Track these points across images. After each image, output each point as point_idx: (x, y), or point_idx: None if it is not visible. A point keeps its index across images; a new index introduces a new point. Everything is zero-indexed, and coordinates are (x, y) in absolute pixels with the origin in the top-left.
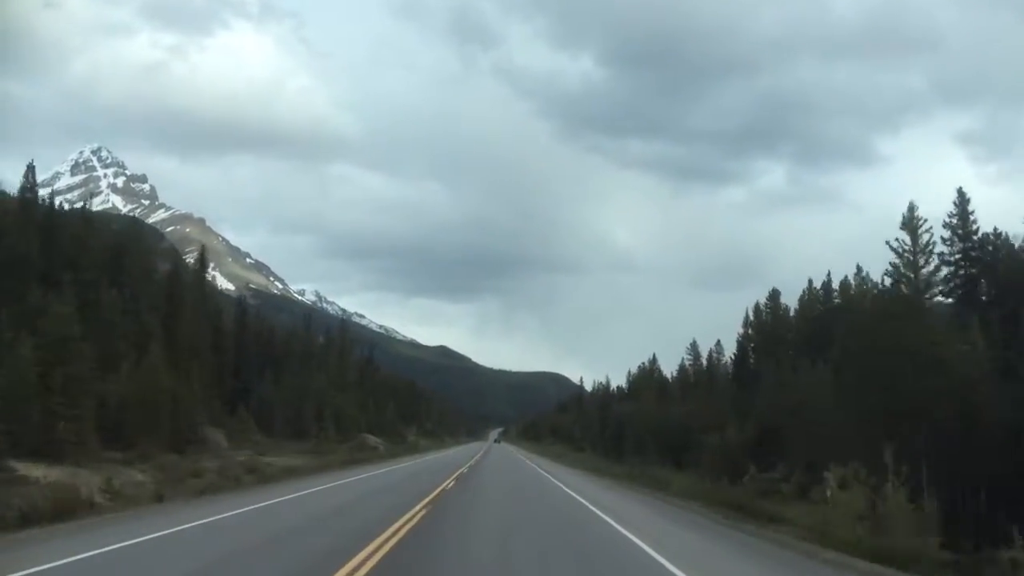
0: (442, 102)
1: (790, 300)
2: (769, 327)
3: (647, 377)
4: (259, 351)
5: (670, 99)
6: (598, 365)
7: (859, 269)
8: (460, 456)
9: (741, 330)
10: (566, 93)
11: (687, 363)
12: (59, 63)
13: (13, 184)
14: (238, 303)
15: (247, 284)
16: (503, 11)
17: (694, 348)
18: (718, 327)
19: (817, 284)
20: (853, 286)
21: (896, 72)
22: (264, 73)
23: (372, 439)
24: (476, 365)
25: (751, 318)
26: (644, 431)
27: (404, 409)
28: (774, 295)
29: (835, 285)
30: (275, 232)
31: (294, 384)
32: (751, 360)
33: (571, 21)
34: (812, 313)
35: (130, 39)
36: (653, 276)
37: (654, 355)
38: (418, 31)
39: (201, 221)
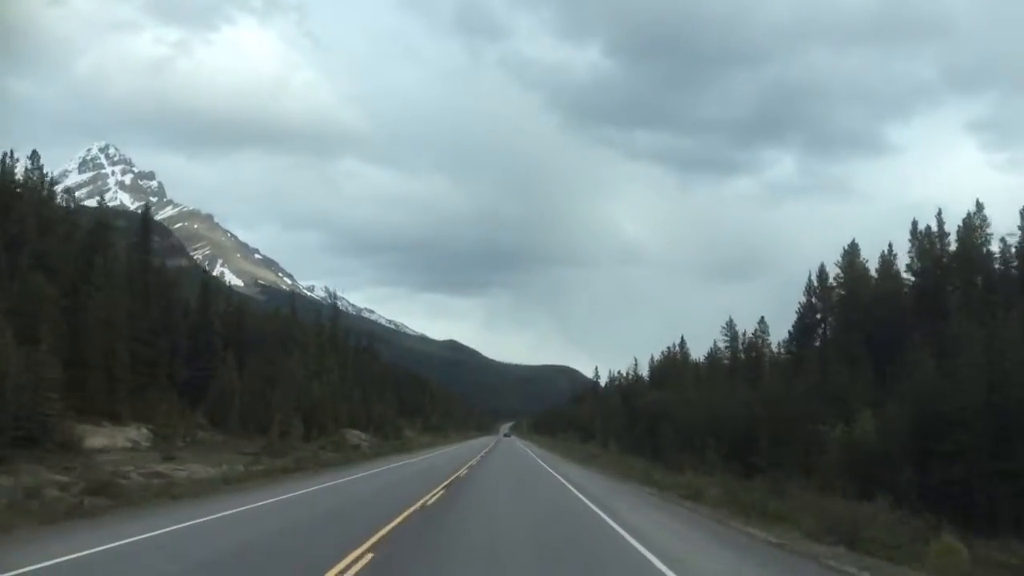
0: (449, 95)
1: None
2: (849, 290)
3: (677, 363)
4: (228, 335)
5: (678, 89)
6: (608, 357)
7: (980, 206)
8: (456, 459)
9: (803, 299)
10: (573, 84)
11: (722, 345)
12: (65, 61)
13: None
14: (202, 279)
15: (256, 280)
16: (509, 2)
17: (730, 328)
18: (731, 317)
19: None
20: (976, 225)
21: (906, 59)
22: (269, 68)
23: (356, 435)
24: (486, 359)
25: (815, 284)
26: (700, 428)
27: (408, 402)
28: (851, 250)
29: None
30: (284, 228)
31: (259, 371)
32: (824, 333)
33: (577, 11)
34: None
35: (135, 36)
36: (662, 268)
37: (682, 338)
38: (424, 23)
39: (209, 217)
